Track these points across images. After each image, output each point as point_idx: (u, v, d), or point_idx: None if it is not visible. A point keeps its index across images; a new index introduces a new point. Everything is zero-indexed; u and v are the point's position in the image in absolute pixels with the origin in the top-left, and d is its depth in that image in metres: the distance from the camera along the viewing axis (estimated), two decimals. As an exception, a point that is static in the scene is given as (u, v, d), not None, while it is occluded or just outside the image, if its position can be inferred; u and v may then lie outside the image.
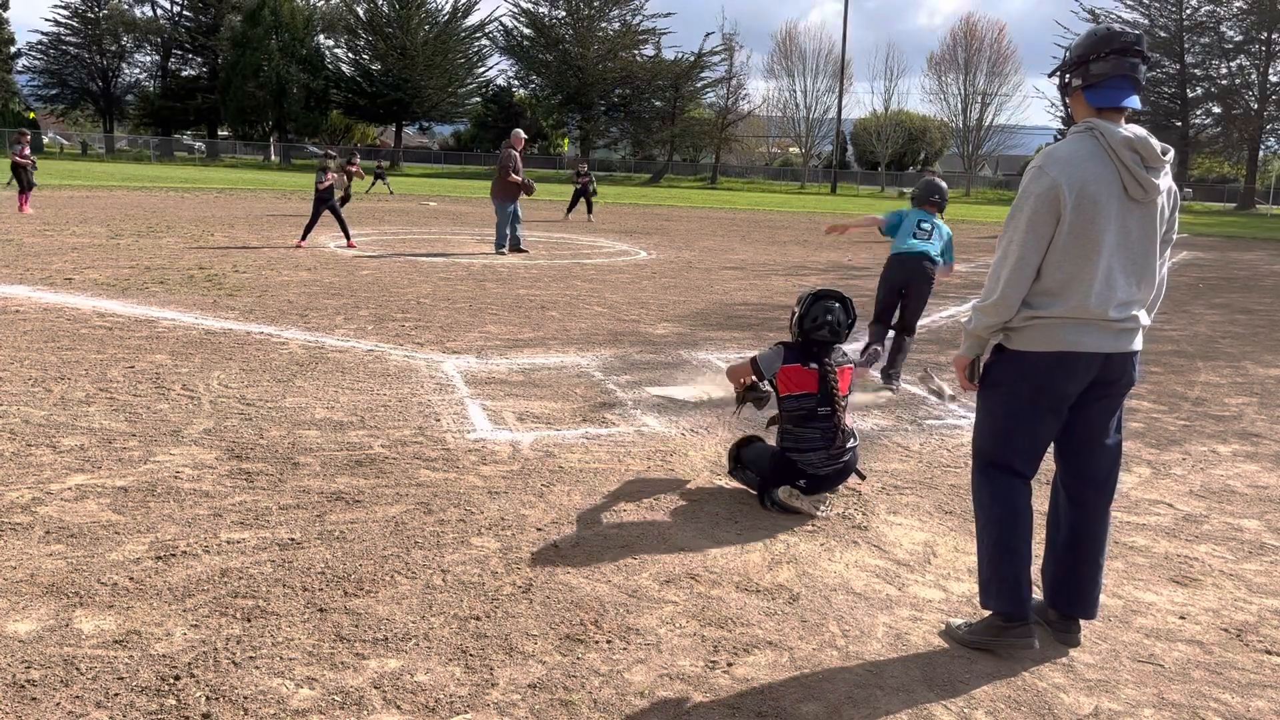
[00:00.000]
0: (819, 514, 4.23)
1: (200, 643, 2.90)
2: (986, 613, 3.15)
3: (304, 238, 14.99)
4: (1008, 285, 3.00)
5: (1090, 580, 3.16)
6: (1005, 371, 3.12)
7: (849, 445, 4.28)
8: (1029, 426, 3.11)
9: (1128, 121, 2.99)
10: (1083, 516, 3.17)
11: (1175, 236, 3.12)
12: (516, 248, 15.39)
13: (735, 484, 4.59)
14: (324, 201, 14.85)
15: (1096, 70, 2.95)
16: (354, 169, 21.65)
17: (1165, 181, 2.98)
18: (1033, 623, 3.10)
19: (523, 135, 16.16)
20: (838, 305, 4.33)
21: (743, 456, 4.50)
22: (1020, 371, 3.08)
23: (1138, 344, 3.07)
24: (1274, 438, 5.93)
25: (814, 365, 4.25)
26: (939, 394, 6.61)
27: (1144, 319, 3.07)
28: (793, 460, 4.24)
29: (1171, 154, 2.98)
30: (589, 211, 24.94)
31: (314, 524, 3.86)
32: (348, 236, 15.13)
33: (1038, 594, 3.30)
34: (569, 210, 25.19)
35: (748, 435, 4.68)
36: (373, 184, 32.88)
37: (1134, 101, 2.95)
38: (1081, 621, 3.21)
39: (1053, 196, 2.91)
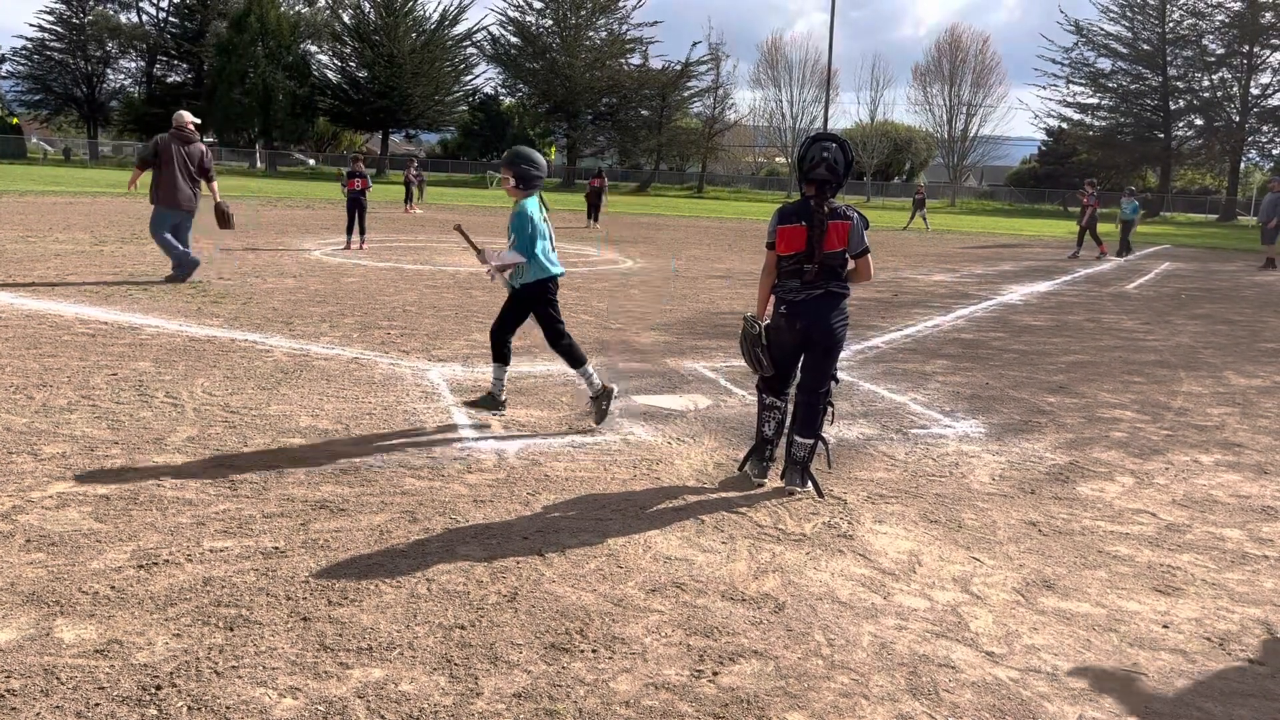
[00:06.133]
0: (758, 484, 4.75)
1: (182, 652, 2.88)
2: None
3: (361, 242, 16.12)
4: None
5: None
6: None
7: (829, 289, 4.59)
8: None
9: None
10: None
11: None
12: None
13: (721, 493, 4.61)
14: (356, 202, 15.96)
15: None
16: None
17: None
18: None
19: (188, 116, 10.92)
20: (834, 145, 4.63)
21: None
22: None
23: None
24: (1255, 448, 5.97)
25: (804, 223, 4.55)
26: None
27: None
28: (778, 294, 4.70)
29: None
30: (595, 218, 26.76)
31: (298, 532, 3.84)
32: (361, 239, 16.08)
33: None
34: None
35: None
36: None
37: None
38: (1065, 630, 3.20)
39: None
